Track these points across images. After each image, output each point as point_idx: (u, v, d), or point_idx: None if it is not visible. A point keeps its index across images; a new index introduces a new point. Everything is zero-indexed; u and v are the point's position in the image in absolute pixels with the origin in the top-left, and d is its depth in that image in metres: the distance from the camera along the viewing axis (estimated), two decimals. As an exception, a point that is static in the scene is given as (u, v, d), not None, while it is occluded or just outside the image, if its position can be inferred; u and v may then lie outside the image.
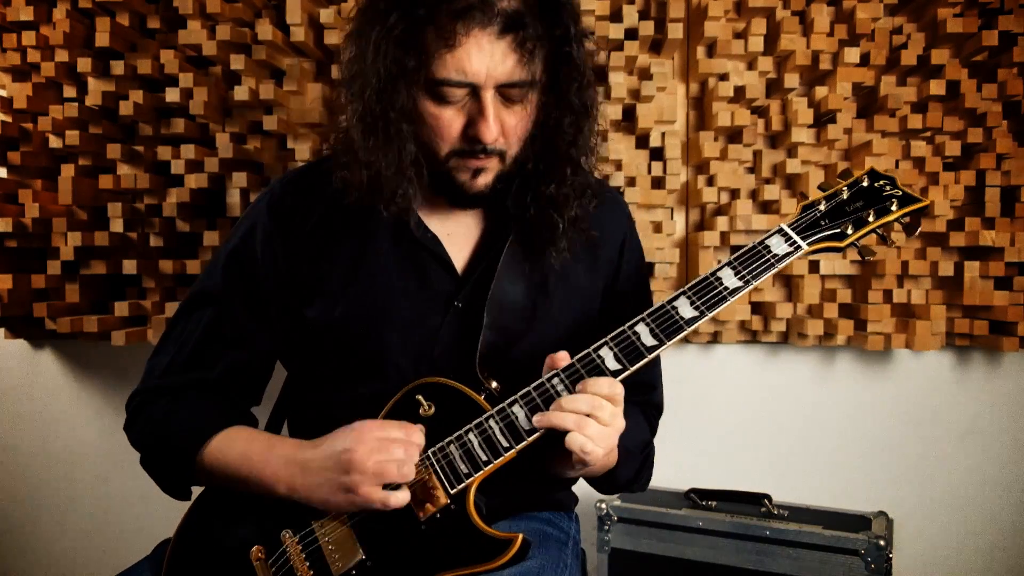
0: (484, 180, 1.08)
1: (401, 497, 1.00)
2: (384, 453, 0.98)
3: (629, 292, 1.27)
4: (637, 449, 1.21)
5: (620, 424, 1.01)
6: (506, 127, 1.04)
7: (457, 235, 1.18)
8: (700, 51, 1.96)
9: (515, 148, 1.08)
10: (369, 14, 1.02)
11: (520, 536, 1.01)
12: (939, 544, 2.06)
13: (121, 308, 1.93)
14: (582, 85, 1.07)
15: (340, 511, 1.04)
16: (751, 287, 1.03)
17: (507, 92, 1.01)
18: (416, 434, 1.02)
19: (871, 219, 1.07)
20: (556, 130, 1.09)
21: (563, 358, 1.03)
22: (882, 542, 1.64)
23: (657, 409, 1.33)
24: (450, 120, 1.03)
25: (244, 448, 1.08)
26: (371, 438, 0.99)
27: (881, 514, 1.79)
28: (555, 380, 1.02)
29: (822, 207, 1.09)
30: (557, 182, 1.11)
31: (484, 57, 0.97)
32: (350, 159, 1.07)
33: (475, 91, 1.00)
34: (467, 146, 1.04)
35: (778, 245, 1.06)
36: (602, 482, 1.21)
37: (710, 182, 1.95)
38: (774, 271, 1.04)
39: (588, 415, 0.97)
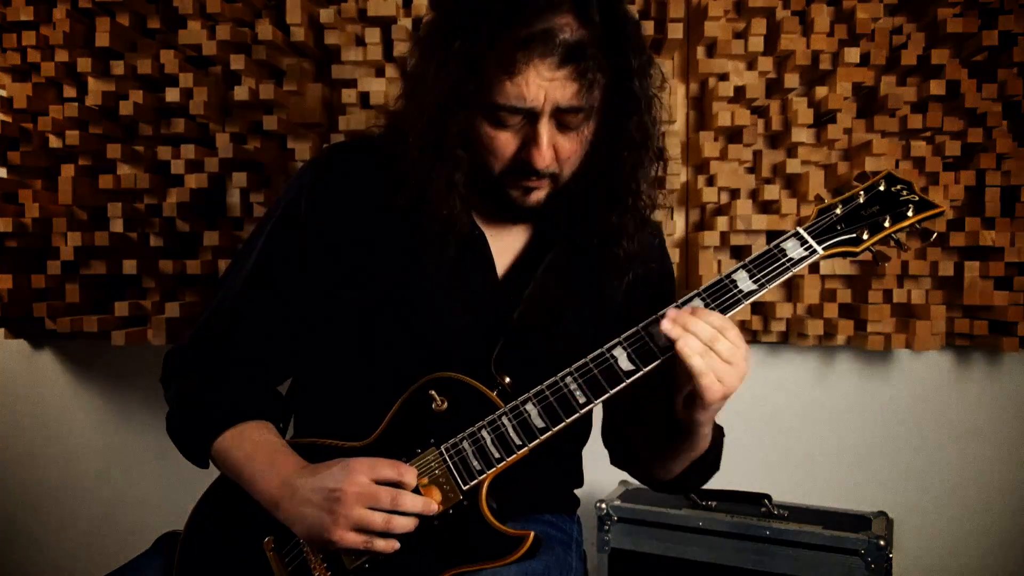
0: (536, 197, 1.09)
1: (384, 545, 0.99)
2: (370, 501, 0.98)
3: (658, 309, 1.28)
4: (720, 434, 1.20)
5: (743, 367, 0.97)
6: (560, 152, 1.05)
7: (502, 240, 1.18)
8: (700, 51, 1.96)
9: (568, 171, 1.09)
10: (433, 37, 1.04)
11: (532, 533, 1.02)
12: (939, 544, 2.06)
13: (121, 308, 1.93)
14: (641, 118, 1.07)
15: (315, 547, 1.05)
16: (766, 290, 1.03)
17: (564, 118, 1.02)
18: (408, 474, 1.01)
19: (887, 224, 1.07)
20: (614, 160, 1.09)
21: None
22: (882, 542, 1.64)
23: None
24: (505, 143, 1.04)
25: (251, 451, 1.09)
26: (360, 482, 0.99)
27: (881, 514, 1.79)
28: (568, 379, 1.03)
29: (838, 211, 1.09)
30: (619, 211, 1.11)
31: (543, 84, 0.97)
32: (402, 165, 1.08)
33: (531, 117, 1.01)
34: (519, 168, 1.05)
35: (794, 249, 1.05)
36: (697, 465, 1.16)
37: (710, 182, 1.95)
38: (789, 275, 1.04)
39: (708, 346, 0.95)
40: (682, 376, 0.98)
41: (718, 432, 1.16)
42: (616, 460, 1.34)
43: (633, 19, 1.06)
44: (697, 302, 1.03)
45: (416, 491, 1.02)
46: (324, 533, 0.99)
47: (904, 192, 1.10)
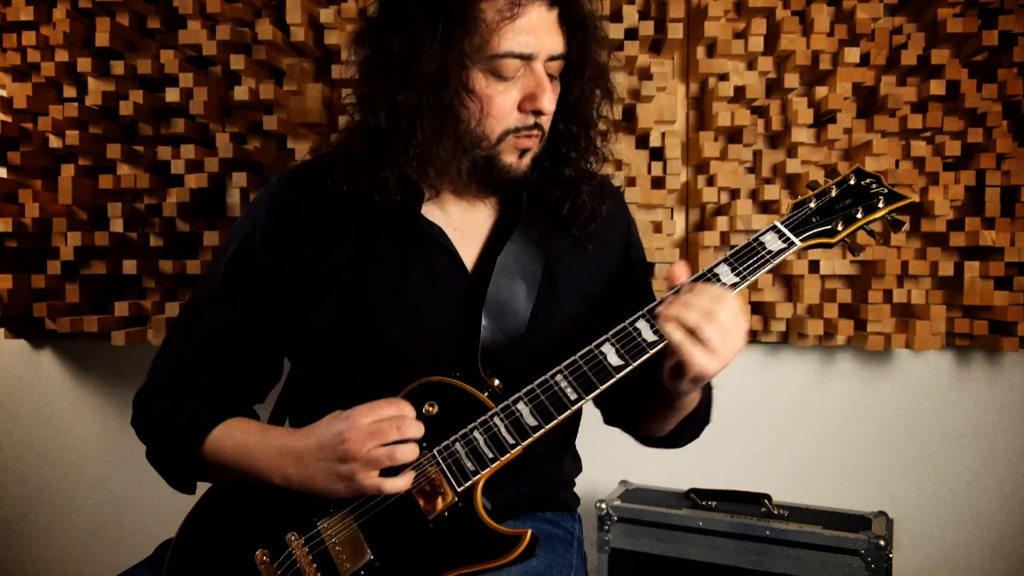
0: (527, 160, 1.11)
1: (398, 484, 1.00)
2: (378, 438, 0.98)
3: (637, 279, 1.28)
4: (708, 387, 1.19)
5: (735, 345, 0.97)
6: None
7: (465, 231, 1.16)
8: (700, 51, 1.96)
9: (548, 124, 1.12)
10: (392, 19, 1.04)
11: (529, 532, 1.01)
12: (939, 544, 2.06)
13: (121, 308, 1.94)
14: (599, 53, 1.14)
15: (340, 498, 1.04)
16: (747, 283, 1.05)
17: (548, 66, 1.06)
18: (407, 407, 1.02)
19: (859, 216, 1.11)
20: (580, 98, 1.13)
21: (681, 273, 1.06)
22: (882, 542, 1.64)
23: None
24: (506, 95, 1.05)
25: (240, 439, 1.08)
26: (364, 424, 0.99)
27: (881, 514, 1.79)
28: (558, 377, 1.02)
29: (812, 204, 1.12)
30: (583, 148, 1.16)
31: (543, 28, 1.03)
32: (351, 163, 1.08)
33: (529, 64, 1.04)
34: (522, 122, 1.07)
35: (772, 242, 1.08)
36: (684, 424, 1.18)
37: (710, 182, 1.95)
38: (769, 267, 1.07)
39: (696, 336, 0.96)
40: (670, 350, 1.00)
41: (707, 387, 1.16)
42: (607, 419, 1.34)
43: None
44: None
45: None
46: (344, 480, 0.99)
47: (874, 185, 1.13)
